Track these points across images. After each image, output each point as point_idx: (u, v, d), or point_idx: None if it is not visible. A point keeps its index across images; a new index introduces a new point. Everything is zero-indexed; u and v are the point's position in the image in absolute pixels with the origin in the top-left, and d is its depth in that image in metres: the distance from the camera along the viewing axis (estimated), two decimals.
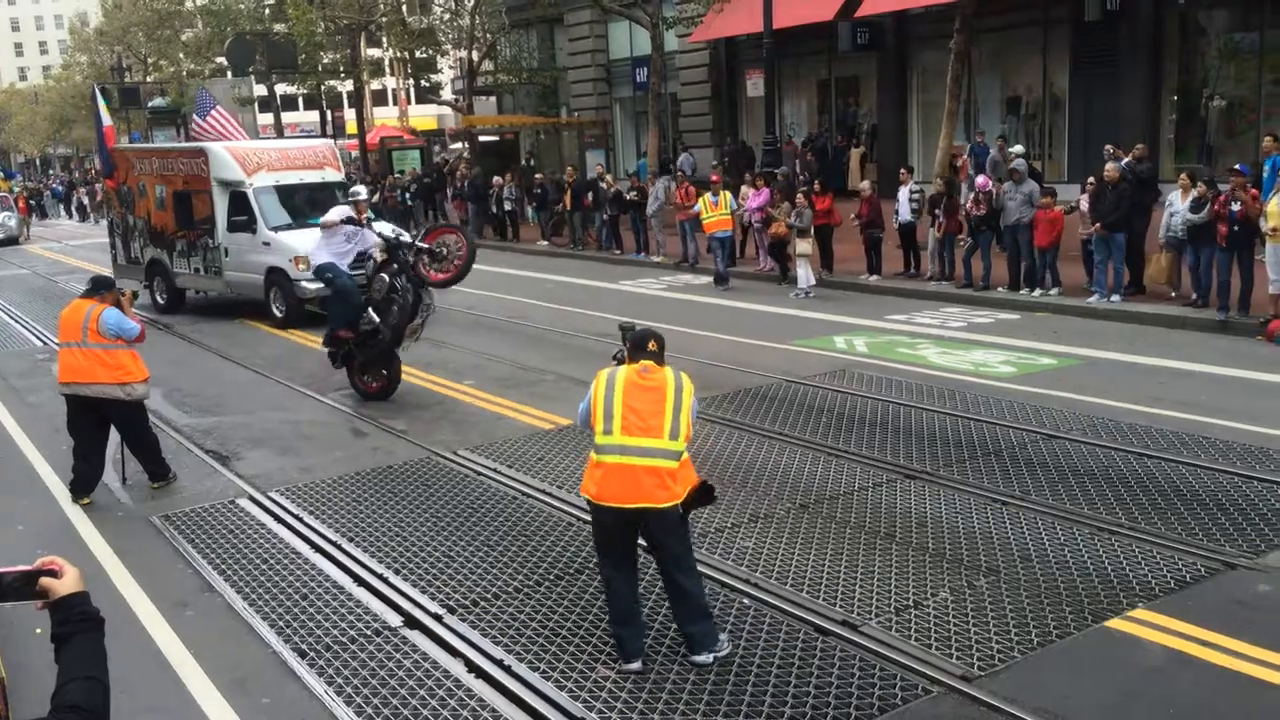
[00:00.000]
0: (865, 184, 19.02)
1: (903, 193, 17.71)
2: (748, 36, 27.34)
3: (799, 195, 17.95)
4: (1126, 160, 16.26)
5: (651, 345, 5.79)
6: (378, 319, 11.38)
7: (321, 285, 12.79)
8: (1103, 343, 12.98)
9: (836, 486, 8.34)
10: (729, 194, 18.81)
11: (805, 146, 28.74)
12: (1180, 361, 11.91)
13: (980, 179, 16.83)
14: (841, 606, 6.30)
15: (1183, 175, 14.32)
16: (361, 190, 12.97)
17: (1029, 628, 5.93)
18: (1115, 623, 5.95)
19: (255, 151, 17.69)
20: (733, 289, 18.30)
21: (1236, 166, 14.05)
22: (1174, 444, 8.87)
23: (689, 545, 5.86)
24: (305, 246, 15.23)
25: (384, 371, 11.73)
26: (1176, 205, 13.86)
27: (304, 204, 17.25)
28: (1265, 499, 7.52)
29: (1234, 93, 22.35)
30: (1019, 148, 20.18)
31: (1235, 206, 12.80)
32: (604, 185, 23.35)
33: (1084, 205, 15.27)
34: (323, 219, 12.23)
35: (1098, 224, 14.63)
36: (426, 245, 11.39)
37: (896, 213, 17.72)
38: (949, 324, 14.57)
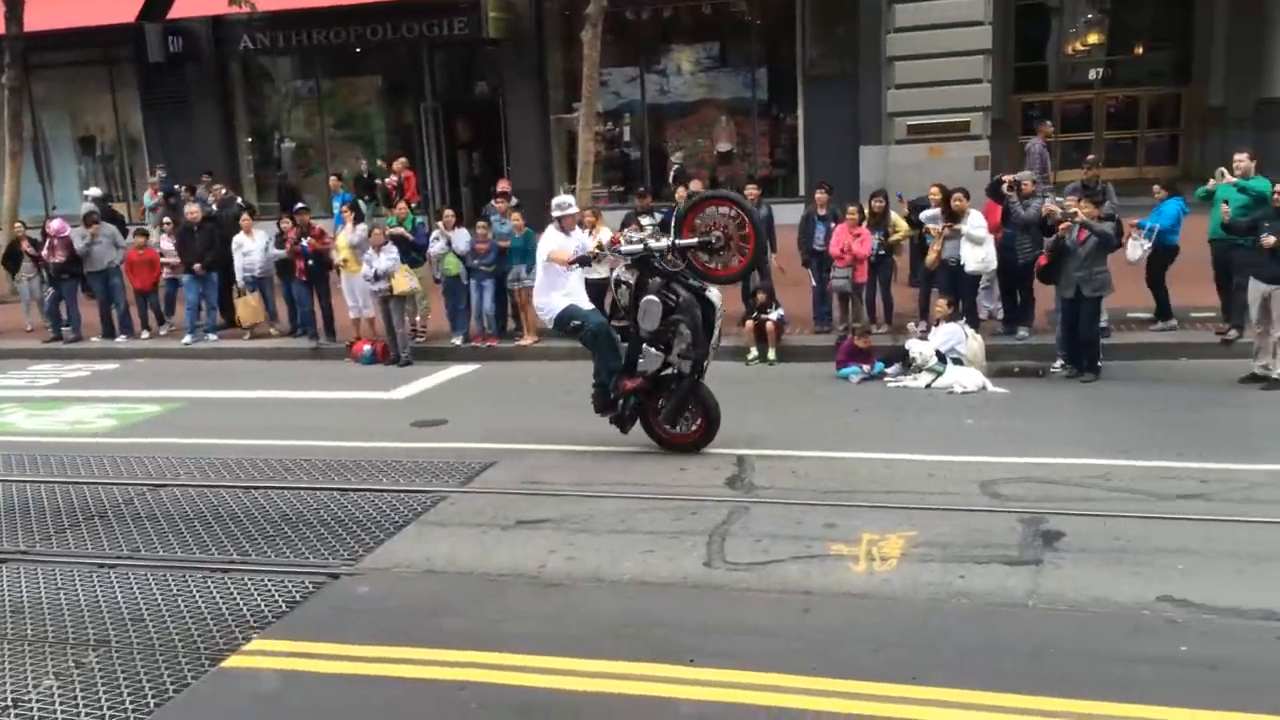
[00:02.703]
0: None
1: None
2: None
3: None
4: (212, 200, 16.65)
5: None
6: (662, 354, 8.84)
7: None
8: (205, 382, 12.99)
9: None
10: None
11: None
12: (282, 390, 12.44)
13: (55, 223, 15.62)
14: None
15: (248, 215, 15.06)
16: (570, 200, 9.68)
17: (145, 691, 5.59)
18: (233, 660, 5.90)
19: None
20: None
21: (300, 204, 15.14)
22: (279, 471, 9.20)
23: None
24: None
25: (698, 412, 9.04)
26: (248, 246, 14.50)
27: None
28: (360, 508, 8.17)
29: (303, 135, 24.14)
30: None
31: (306, 242, 13.82)
32: None
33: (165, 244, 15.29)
34: (547, 255, 9.18)
35: (198, 265, 14.67)
36: (691, 240, 8.76)
37: None
38: (38, 383, 13.33)
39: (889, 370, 11.36)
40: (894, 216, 13.03)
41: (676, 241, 8.81)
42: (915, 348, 11.36)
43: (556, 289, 9.23)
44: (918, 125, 19.31)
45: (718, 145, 22.05)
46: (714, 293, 8.89)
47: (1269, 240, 9.88)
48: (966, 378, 10.75)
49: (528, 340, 13.63)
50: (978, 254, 11.75)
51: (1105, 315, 11.58)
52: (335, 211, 17.04)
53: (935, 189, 12.45)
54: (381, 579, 6.94)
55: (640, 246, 8.87)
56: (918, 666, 5.38)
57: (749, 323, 12.51)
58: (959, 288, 11.94)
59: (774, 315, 12.45)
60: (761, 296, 12.57)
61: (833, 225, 12.76)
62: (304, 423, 10.94)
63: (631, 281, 8.96)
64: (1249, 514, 7.11)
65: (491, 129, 22.47)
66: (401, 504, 8.20)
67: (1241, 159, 11.32)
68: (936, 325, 11.62)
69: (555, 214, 9.51)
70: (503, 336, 13.88)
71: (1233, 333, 10.95)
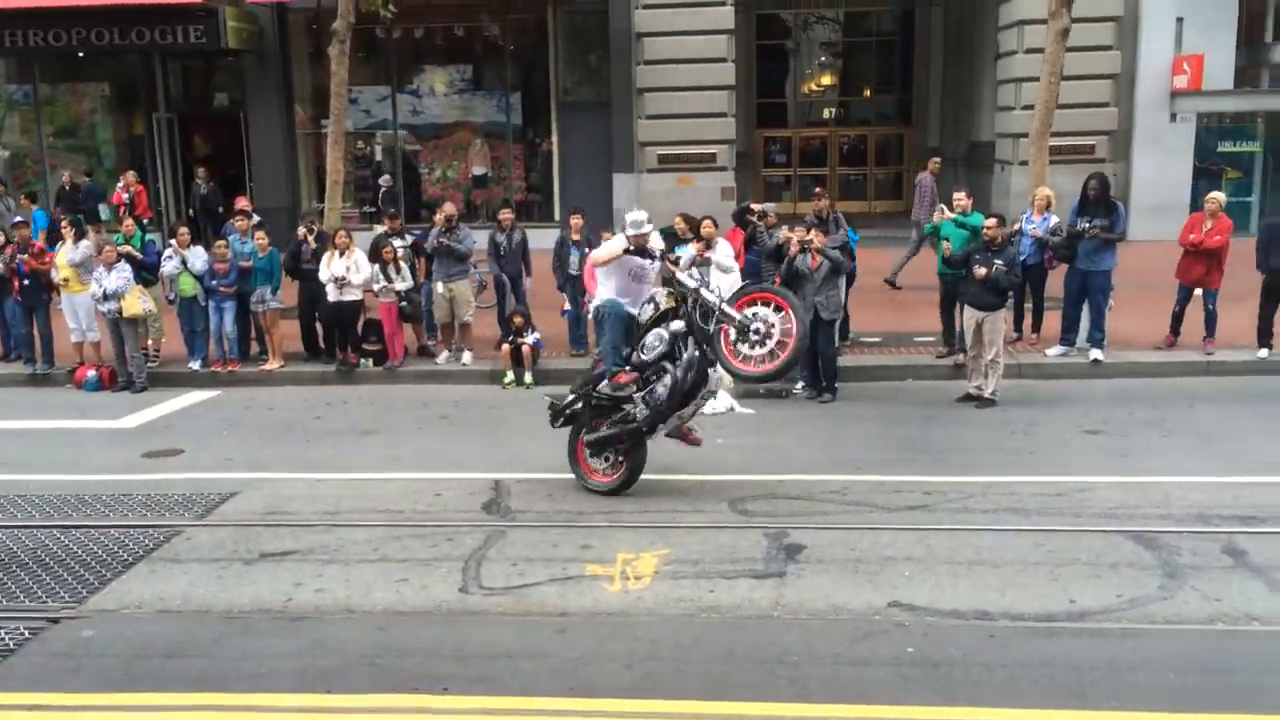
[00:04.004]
0: None
1: None
2: None
3: None
4: None
5: None
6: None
7: None
8: None
9: None
10: None
11: None
12: None
13: None
14: None
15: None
16: (644, 217, 8.70)
17: None
18: None
19: None
20: None
21: (19, 218, 13.93)
22: None
23: None
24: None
25: (622, 460, 8.41)
26: None
27: None
28: (84, 546, 7.55)
29: (19, 144, 22.28)
30: None
31: (22, 259, 12.72)
32: None
33: None
34: (594, 254, 8.99)
35: None
36: (734, 314, 7.89)
37: None
38: None
39: None
40: None
41: (723, 305, 7.94)
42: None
43: (608, 288, 8.70)
44: (667, 155, 19.98)
45: (472, 168, 21.98)
46: (717, 374, 8.24)
47: (980, 271, 10.82)
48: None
49: (273, 364, 13.04)
50: (726, 281, 12.17)
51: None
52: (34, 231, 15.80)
53: (680, 219, 12.86)
54: (109, 621, 6.44)
55: (694, 284, 8.08)
56: (667, 681, 5.52)
57: (505, 346, 12.49)
58: None
59: (530, 339, 12.50)
60: (518, 319, 12.59)
61: (586, 250, 12.95)
62: (19, 455, 10.02)
63: (660, 305, 8.36)
64: (965, 523, 7.73)
65: (233, 144, 21.44)
66: (131, 540, 7.65)
67: (960, 197, 12.37)
68: None
69: (630, 232, 8.54)
70: (246, 361, 13.21)
71: (959, 356, 11.82)
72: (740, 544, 7.37)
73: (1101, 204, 12.10)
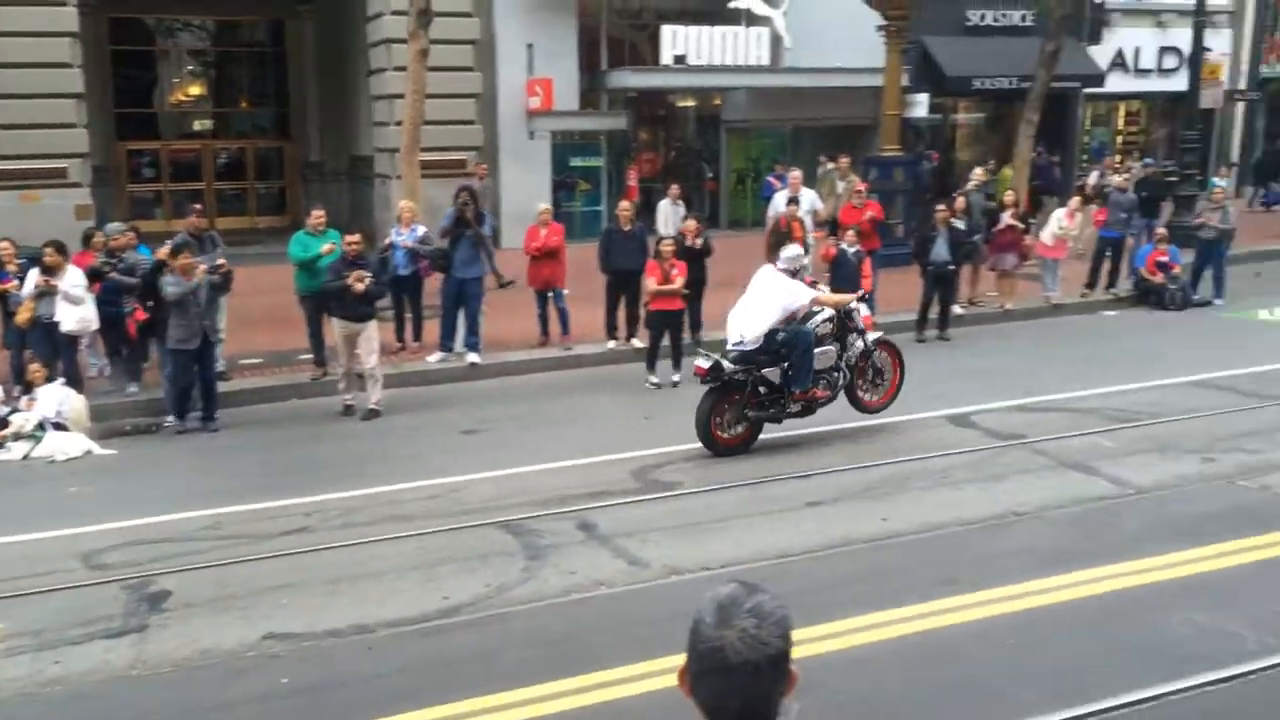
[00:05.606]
0: None
1: None
2: None
3: None
4: None
5: None
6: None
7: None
8: None
9: None
10: None
11: None
12: None
13: None
14: None
15: None
16: (797, 251, 10.23)
17: None
18: None
19: None
20: None
21: None
22: None
23: None
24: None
25: (747, 425, 9.47)
26: None
27: None
28: None
29: None
30: None
31: None
32: None
33: None
34: (811, 300, 9.69)
35: None
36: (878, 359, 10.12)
37: None
38: None
39: None
40: None
41: (870, 343, 10.04)
42: (14, 417, 10.22)
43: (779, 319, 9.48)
44: (9, 170, 17.54)
45: None
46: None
47: (359, 287, 10.76)
48: (69, 443, 9.93)
49: None
50: (76, 313, 10.92)
51: (222, 362, 11.73)
52: None
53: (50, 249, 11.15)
54: None
55: (861, 325, 9.98)
56: None
57: None
58: (57, 348, 11.00)
59: None
60: None
61: None
62: None
63: (831, 325, 9.71)
64: (346, 539, 7.67)
65: None
66: None
67: (319, 214, 12.19)
68: (31, 390, 10.56)
69: (793, 266, 9.85)
70: None
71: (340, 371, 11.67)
72: (94, 603, 6.62)
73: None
